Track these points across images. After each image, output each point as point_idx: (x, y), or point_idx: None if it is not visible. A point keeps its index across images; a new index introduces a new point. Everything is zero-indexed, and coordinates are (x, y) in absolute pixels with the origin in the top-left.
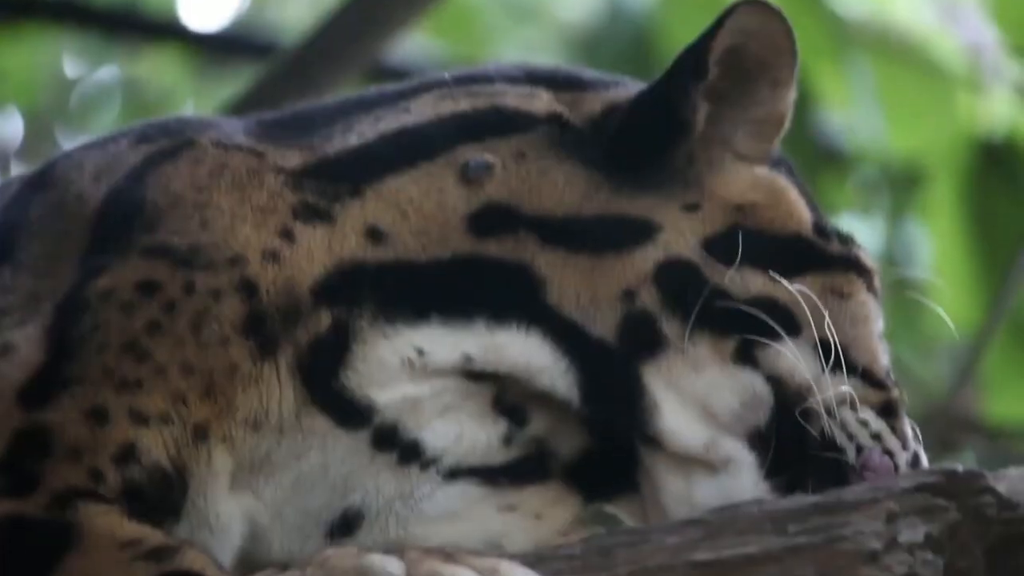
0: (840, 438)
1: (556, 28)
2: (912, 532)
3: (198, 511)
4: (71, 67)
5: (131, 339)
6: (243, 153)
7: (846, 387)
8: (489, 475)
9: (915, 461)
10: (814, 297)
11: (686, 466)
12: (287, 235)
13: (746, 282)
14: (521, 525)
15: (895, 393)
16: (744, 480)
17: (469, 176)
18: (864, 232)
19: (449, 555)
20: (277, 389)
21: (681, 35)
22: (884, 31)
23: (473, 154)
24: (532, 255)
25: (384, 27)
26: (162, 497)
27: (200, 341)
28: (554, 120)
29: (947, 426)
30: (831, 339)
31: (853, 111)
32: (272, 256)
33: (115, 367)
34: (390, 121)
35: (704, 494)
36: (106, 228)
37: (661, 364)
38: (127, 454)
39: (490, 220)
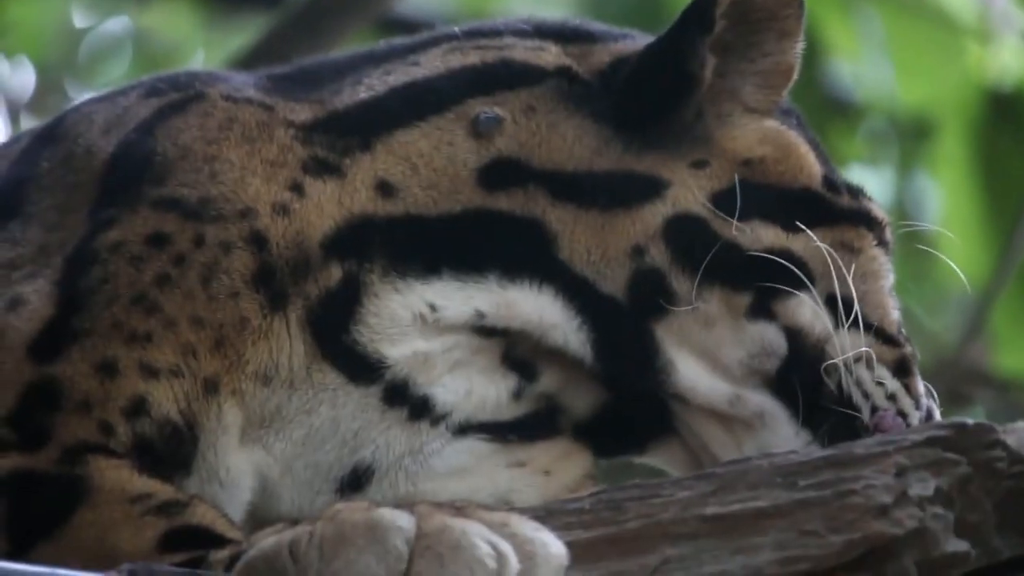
0: (856, 396)
1: None
2: (922, 486)
3: (208, 465)
4: (80, 18)
5: (141, 292)
6: (253, 106)
7: (864, 346)
8: (498, 431)
9: (928, 418)
10: (830, 251)
11: (725, 421)
12: (297, 189)
13: (757, 235)
14: (530, 481)
15: (908, 349)
16: (784, 430)
17: (479, 129)
18: (873, 183)
19: (459, 509)
20: (287, 343)
21: None
22: None
23: (483, 107)
24: (543, 210)
25: None
26: (172, 451)
27: (210, 294)
28: (563, 73)
29: (957, 379)
30: (847, 293)
31: (862, 62)
32: (282, 209)
33: (125, 320)
34: (399, 75)
35: (750, 449)
36: (115, 180)
37: (672, 321)
38: (137, 407)
39: (500, 174)
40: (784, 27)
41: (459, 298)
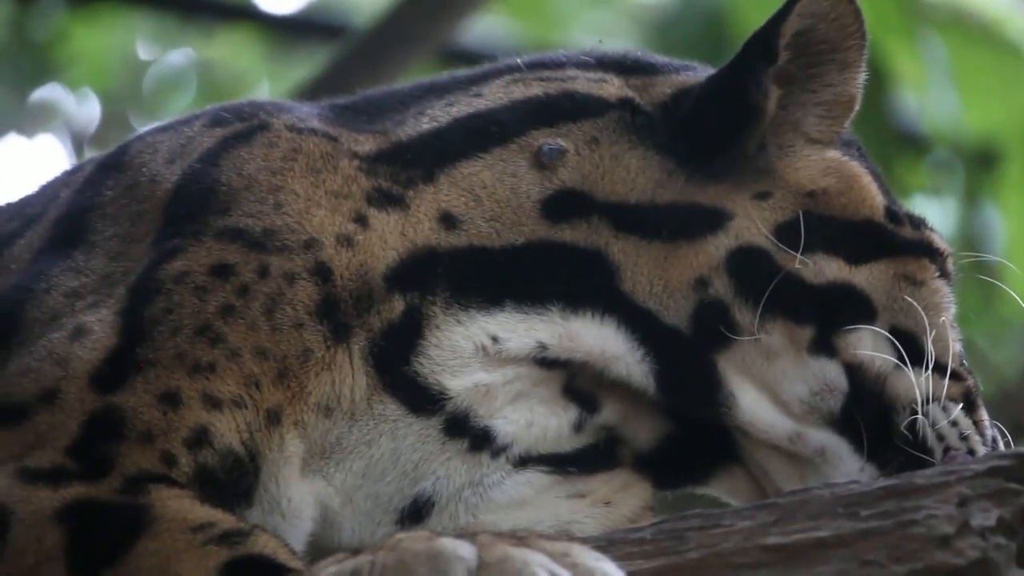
0: (931, 439)
1: (628, 11)
2: (984, 516)
3: (270, 496)
4: (144, 50)
5: (204, 322)
6: (317, 137)
7: (932, 383)
8: (558, 463)
9: (992, 448)
10: (890, 286)
11: (788, 455)
12: (361, 220)
13: (820, 268)
14: (590, 512)
15: (971, 382)
16: (848, 466)
17: (543, 161)
18: (937, 214)
19: (520, 539)
20: (350, 374)
21: (754, 17)
22: (957, 10)
23: (546, 139)
24: (606, 241)
25: (456, 8)
26: (234, 481)
27: (273, 325)
28: (625, 105)
29: (1020, 410)
30: (911, 327)
31: (928, 91)
32: (346, 241)
33: (188, 350)
34: (462, 106)
35: (813, 483)
36: (180, 210)
37: (734, 353)
38: (200, 438)
39: (564, 205)
40: (846, 58)
41: (521, 330)
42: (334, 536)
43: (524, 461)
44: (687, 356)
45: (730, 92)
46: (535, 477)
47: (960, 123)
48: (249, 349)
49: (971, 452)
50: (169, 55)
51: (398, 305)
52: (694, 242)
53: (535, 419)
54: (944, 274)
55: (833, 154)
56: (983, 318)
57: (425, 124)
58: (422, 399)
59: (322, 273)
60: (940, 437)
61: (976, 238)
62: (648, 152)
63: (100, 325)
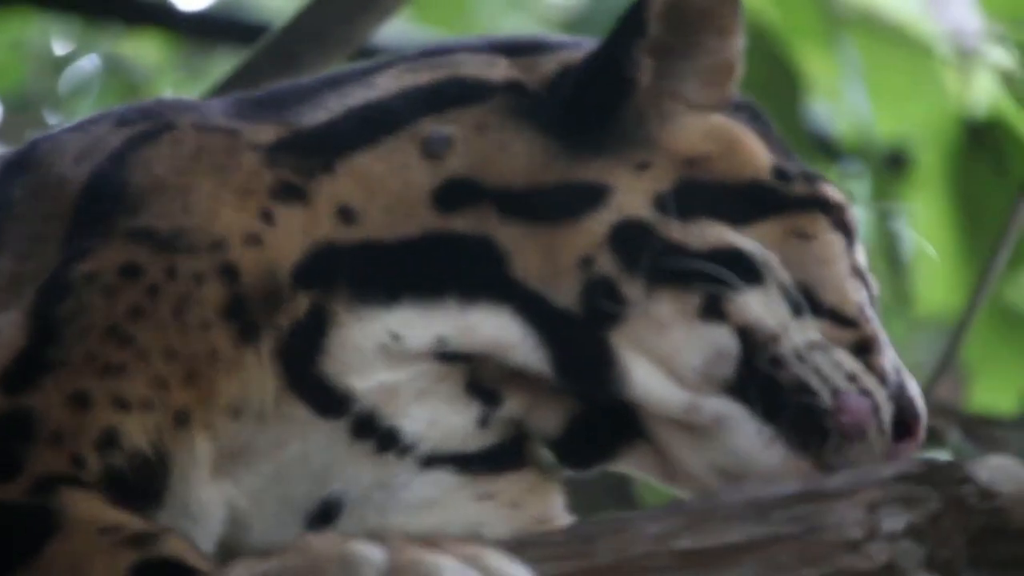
0: (814, 381)
1: (545, 14)
2: (894, 521)
3: (179, 498)
4: (60, 48)
5: (114, 323)
6: (220, 133)
7: (819, 332)
8: (464, 463)
9: (900, 392)
10: (771, 249)
11: (687, 426)
12: (267, 217)
13: (704, 235)
14: (499, 514)
15: (869, 329)
16: (746, 431)
17: (431, 150)
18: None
19: (431, 542)
20: (258, 375)
21: None
22: (869, 12)
23: (434, 127)
24: (494, 229)
25: (371, 10)
26: (143, 483)
27: (182, 326)
28: (512, 86)
29: (929, 414)
30: (801, 280)
31: (841, 94)
32: (253, 239)
33: (98, 351)
34: (356, 96)
35: (717, 456)
36: (89, 211)
37: (626, 329)
38: (109, 440)
39: (454, 194)
40: (723, 24)
41: (420, 325)
42: (243, 538)
43: (431, 461)
44: (580, 337)
45: (605, 67)
46: (442, 477)
47: (872, 126)
48: (158, 350)
49: (865, 392)
50: (82, 54)
51: (303, 303)
52: (577, 221)
53: (439, 417)
54: (839, 225)
55: (716, 119)
56: (894, 321)
57: (322, 114)
58: (329, 401)
59: (229, 273)
60: (824, 379)
61: (888, 241)
62: (533, 134)
63: (9, 326)
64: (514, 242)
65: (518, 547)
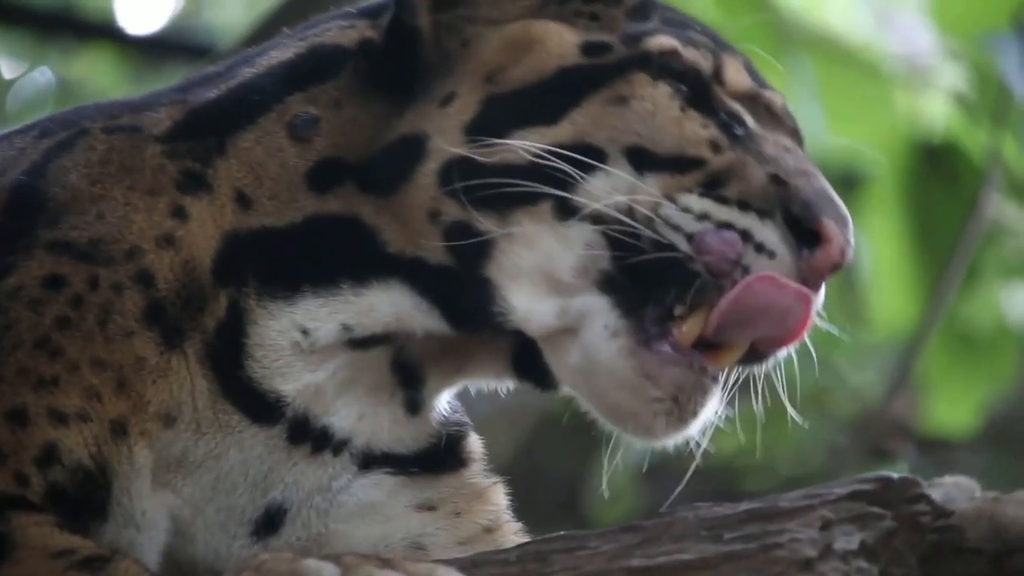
0: (666, 235)
1: None
2: (847, 540)
3: (123, 509)
4: (8, 68)
5: (43, 335)
6: (124, 133)
7: (655, 189)
8: (401, 463)
9: (789, 202)
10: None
11: (555, 339)
12: (179, 213)
13: (528, 147)
14: (442, 523)
15: (720, 161)
16: (595, 326)
17: (299, 133)
18: None
19: (385, 561)
20: (187, 380)
21: None
22: (822, 33)
23: (299, 106)
24: (359, 206)
25: None
26: (86, 497)
27: (107, 335)
28: (362, 48)
29: (882, 433)
30: (632, 144)
31: (794, 111)
32: (167, 241)
33: (31, 365)
34: (239, 75)
35: (573, 357)
36: (11, 226)
37: (498, 259)
38: (49, 455)
39: (325, 175)
40: None
41: (324, 315)
42: (188, 548)
43: (368, 461)
44: (462, 285)
45: (392, 20)
46: (381, 479)
47: (826, 144)
48: (87, 361)
49: (725, 225)
50: (32, 73)
51: (223, 302)
52: (410, 180)
53: (366, 409)
54: (665, 72)
55: (513, 27)
56: (847, 340)
57: (212, 93)
58: (262, 407)
59: (145, 280)
60: (675, 228)
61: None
62: (374, 99)
63: None
64: (375, 216)
65: (472, 566)
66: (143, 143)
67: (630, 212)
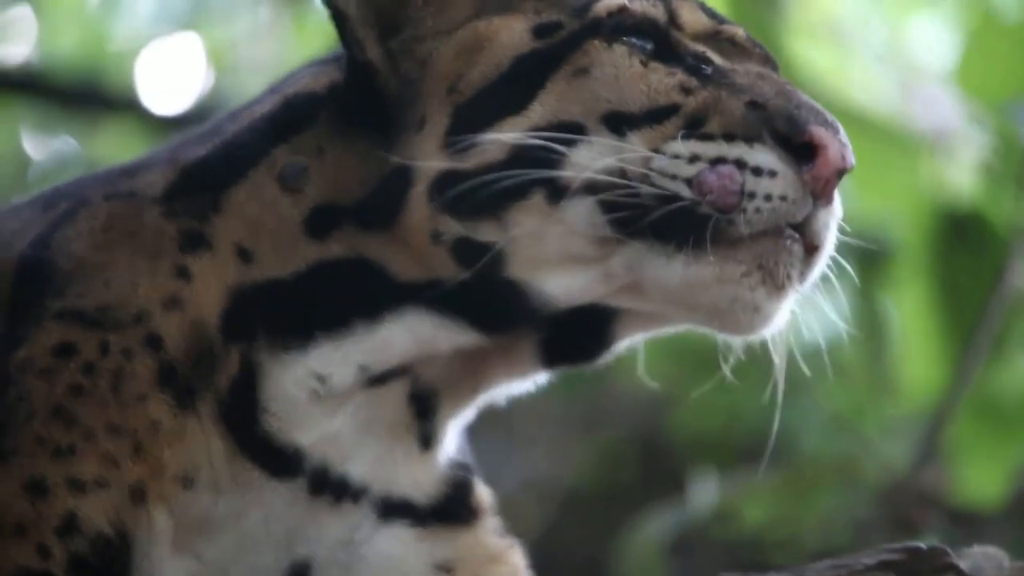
0: (666, 186)
1: None
2: None
3: None
4: (31, 145)
5: (56, 404)
6: (123, 199)
7: (640, 145)
8: (418, 516)
9: (774, 120)
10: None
11: (618, 296)
12: (182, 273)
13: (498, 140)
14: None
15: (693, 101)
16: (653, 265)
17: (290, 184)
18: (832, 306)
19: None
20: (203, 441)
21: None
22: (846, 104)
23: (286, 157)
24: (362, 246)
25: None
26: (107, 565)
27: (121, 401)
28: (333, 90)
29: (910, 504)
30: (604, 114)
31: None
32: (173, 303)
33: (46, 435)
34: (224, 133)
35: (651, 303)
36: (20, 299)
37: (514, 259)
38: (69, 525)
39: (321, 222)
40: None
41: (339, 359)
42: None
43: (387, 509)
44: (485, 293)
45: (347, 58)
46: (400, 532)
47: (853, 214)
48: (102, 427)
49: (718, 161)
50: (54, 146)
51: (235, 358)
52: (405, 208)
53: (382, 450)
54: (618, 32)
55: (461, 33)
56: (875, 410)
57: (201, 150)
58: (280, 461)
59: (154, 343)
60: (672, 177)
61: (870, 331)
62: (355, 139)
63: None
64: (381, 251)
65: None
66: (141, 206)
67: (623, 174)
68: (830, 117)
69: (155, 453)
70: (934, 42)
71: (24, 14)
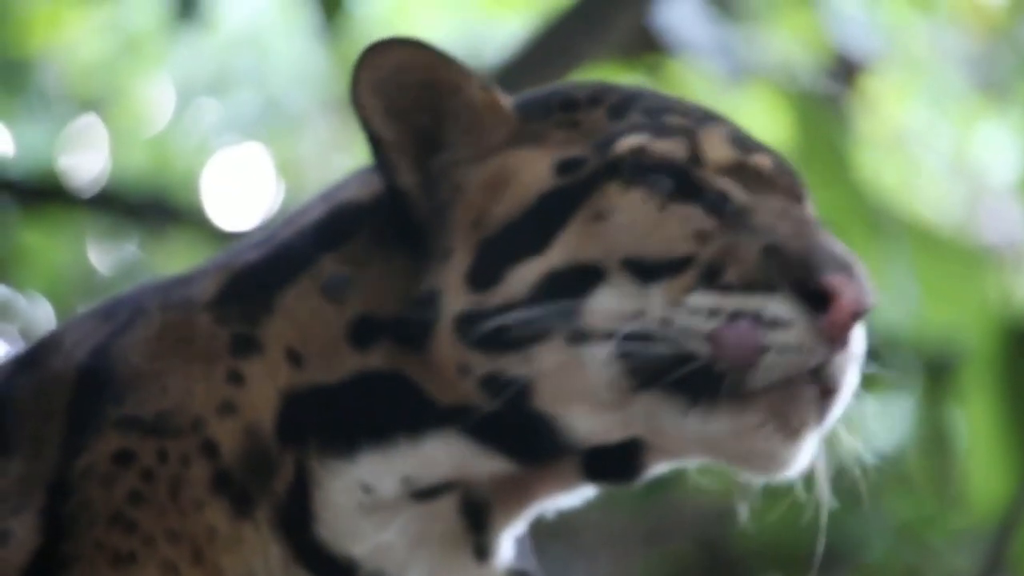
0: (686, 342)
1: None
2: None
3: None
4: (95, 256)
5: (116, 511)
6: (176, 307)
7: (659, 296)
8: None
9: (788, 270)
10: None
11: (646, 442)
12: (236, 378)
13: (523, 279)
14: None
15: (709, 251)
16: (667, 416)
17: (334, 295)
18: (897, 415)
19: None
20: (260, 548)
21: None
22: (913, 219)
23: (332, 266)
24: (400, 362)
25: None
26: None
27: (179, 507)
28: (377, 202)
29: None
30: (623, 260)
31: (888, 293)
32: (227, 408)
33: (106, 541)
34: (278, 238)
35: (672, 453)
36: (80, 407)
37: (539, 392)
38: None
39: (363, 333)
40: (450, 83)
41: (384, 471)
42: None
43: None
44: (518, 425)
45: (382, 181)
46: None
47: (920, 325)
48: (162, 533)
49: (736, 316)
50: (119, 257)
51: (290, 463)
52: (434, 338)
53: (437, 564)
54: (636, 174)
55: (490, 164)
56: (941, 521)
57: (254, 255)
58: (335, 571)
59: (210, 450)
60: (691, 334)
61: (936, 441)
62: (394, 254)
63: (22, 527)
64: (417, 371)
65: None
66: (194, 313)
67: (642, 325)
68: (844, 258)
69: (213, 560)
70: (1001, 152)
71: (92, 122)
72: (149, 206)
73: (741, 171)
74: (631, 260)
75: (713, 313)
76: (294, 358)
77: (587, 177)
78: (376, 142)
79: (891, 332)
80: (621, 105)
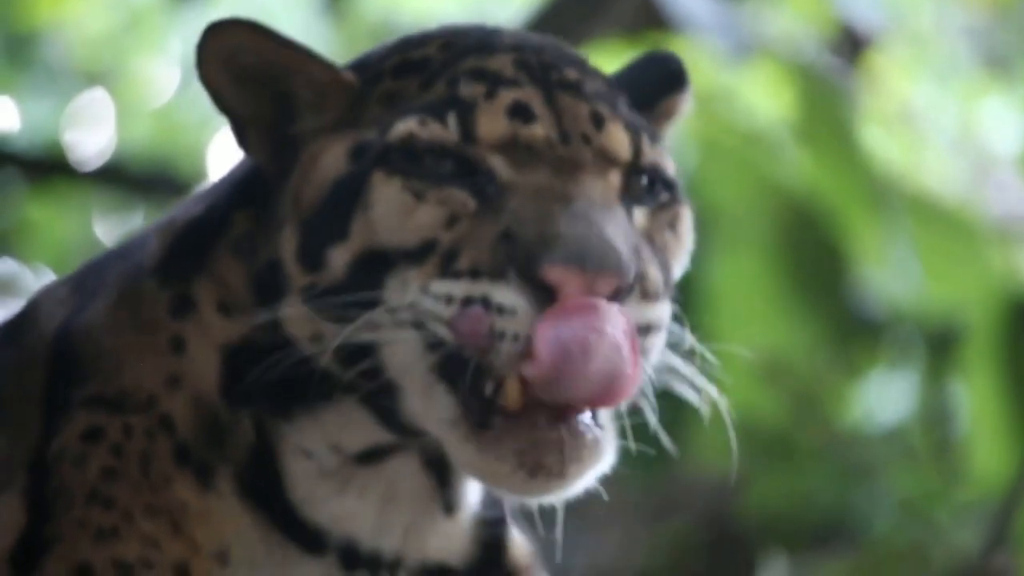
0: (434, 329)
1: None
2: None
3: None
4: (100, 227)
5: (92, 488)
6: (130, 274)
7: (413, 285)
8: None
9: (514, 263)
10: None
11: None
12: (178, 345)
13: (338, 263)
14: None
15: (449, 237)
16: (442, 418)
17: (237, 252)
18: (899, 390)
19: None
20: (231, 519)
21: None
22: (917, 193)
23: (243, 224)
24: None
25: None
26: None
27: (151, 482)
28: None
29: None
30: (376, 249)
31: (891, 268)
32: (174, 381)
33: (87, 519)
34: (214, 192)
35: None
36: (53, 389)
37: (386, 362)
38: None
39: (262, 288)
40: (284, 61)
41: (317, 437)
42: None
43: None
44: (382, 394)
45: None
46: None
47: (923, 300)
48: (139, 508)
49: (467, 301)
50: (124, 230)
51: (247, 424)
52: (289, 305)
53: (409, 522)
54: (401, 162)
55: (312, 143)
56: (945, 496)
57: (195, 209)
58: (308, 537)
59: (167, 424)
60: (437, 319)
61: (939, 416)
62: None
63: (7, 509)
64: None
65: None
66: (142, 280)
67: (413, 312)
68: (576, 245)
69: (189, 532)
70: (1006, 126)
71: (98, 95)
72: (155, 179)
73: (513, 146)
74: (375, 249)
75: (449, 300)
76: (224, 310)
77: (366, 164)
78: (227, 114)
79: (894, 306)
80: (437, 72)
